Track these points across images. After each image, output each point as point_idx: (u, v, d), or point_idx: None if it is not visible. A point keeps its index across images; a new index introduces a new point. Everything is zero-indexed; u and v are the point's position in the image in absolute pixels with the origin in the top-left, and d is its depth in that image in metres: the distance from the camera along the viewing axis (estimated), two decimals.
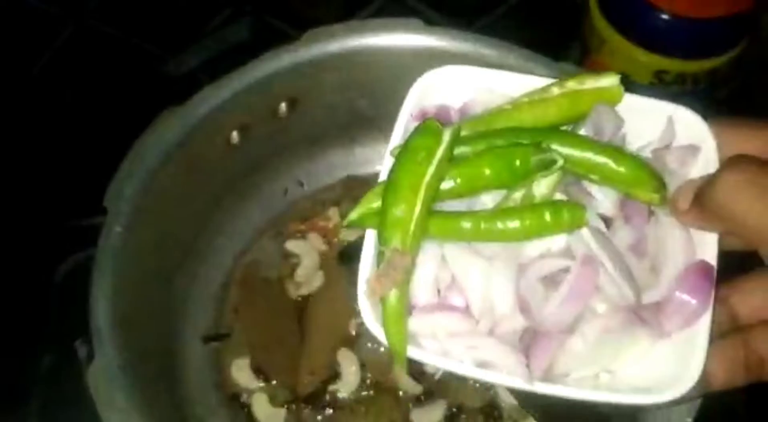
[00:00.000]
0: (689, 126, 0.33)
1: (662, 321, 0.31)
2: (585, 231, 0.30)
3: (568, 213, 0.30)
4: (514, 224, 0.30)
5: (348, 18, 0.66)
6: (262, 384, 0.53)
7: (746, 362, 0.30)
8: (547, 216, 0.30)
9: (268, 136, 0.56)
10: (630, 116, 0.33)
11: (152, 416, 0.41)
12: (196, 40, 0.61)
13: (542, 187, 0.31)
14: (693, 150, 0.33)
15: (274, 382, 0.53)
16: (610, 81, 0.33)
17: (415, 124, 0.33)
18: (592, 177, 0.32)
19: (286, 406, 0.52)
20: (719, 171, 0.30)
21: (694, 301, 0.30)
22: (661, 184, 0.31)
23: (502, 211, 0.31)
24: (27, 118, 0.73)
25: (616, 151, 0.31)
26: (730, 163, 0.29)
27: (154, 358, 0.48)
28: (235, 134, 0.53)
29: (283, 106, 0.55)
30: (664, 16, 0.54)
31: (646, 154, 0.33)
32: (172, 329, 0.53)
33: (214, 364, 0.54)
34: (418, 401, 0.52)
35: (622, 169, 0.31)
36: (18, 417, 0.57)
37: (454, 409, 0.52)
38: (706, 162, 0.32)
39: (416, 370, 0.52)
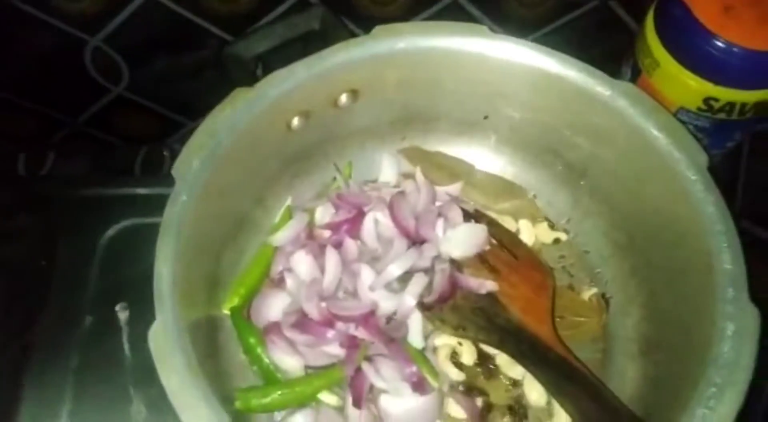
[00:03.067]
0: None
1: None
2: None
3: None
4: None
5: (408, 18, 0.68)
6: None
7: None
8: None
9: (326, 124, 0.58)
10: None
11: (205, 382, 0.42)
12: (261, 25, 0.63)
13: None
14: None
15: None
16: None
17: None
18: None
19: None
20: None
21: None
22: None
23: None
24: (84, 88, 0.75)
25: None
26: None
27: (201, 327, 0.50)
28: (296, 119, 0.55)
29: (344, 96, 0.56)
30: (720, 44, 0.56)
31: None
32: (217, 301, 0.54)
33: None
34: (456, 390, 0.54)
35: None
36: (58, 373, 0.58)
37: (484, 406, 0.54)
38: None
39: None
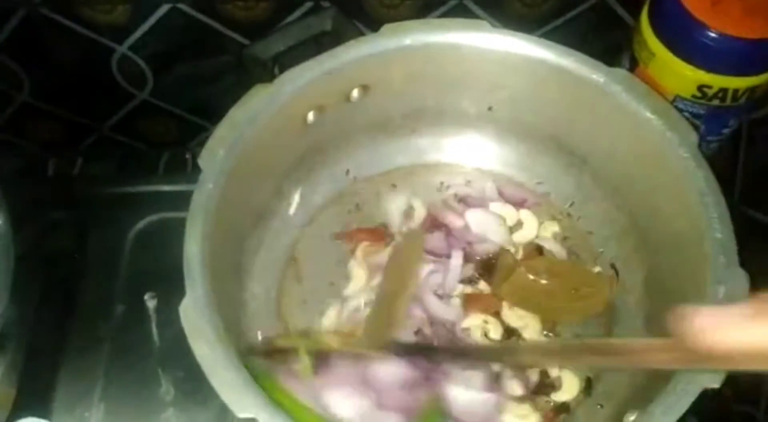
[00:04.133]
0: None
1: None
2: None
3: None
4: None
5: (417, 18, 0.72)
6: None
7: None
8: None
9: (339, 118, 0.61)
10: None
11: (232, 349, 0.46)
12: (278, 28, 0.67)
13: None
14: None
15: None
16: None
17: None
18: None
19: None
20: None
21: None
22: None
23: None
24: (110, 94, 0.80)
25: None
26: None
27: (228, 305, 0.53)
28: (311, 114, 0.59)
29: (356, 91, 0.60)
30: (712, 34, 0.59)
31: None
32: (242, 285, 0.58)
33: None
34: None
35: None
36: (92, 357, 0.62)
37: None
38: None
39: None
